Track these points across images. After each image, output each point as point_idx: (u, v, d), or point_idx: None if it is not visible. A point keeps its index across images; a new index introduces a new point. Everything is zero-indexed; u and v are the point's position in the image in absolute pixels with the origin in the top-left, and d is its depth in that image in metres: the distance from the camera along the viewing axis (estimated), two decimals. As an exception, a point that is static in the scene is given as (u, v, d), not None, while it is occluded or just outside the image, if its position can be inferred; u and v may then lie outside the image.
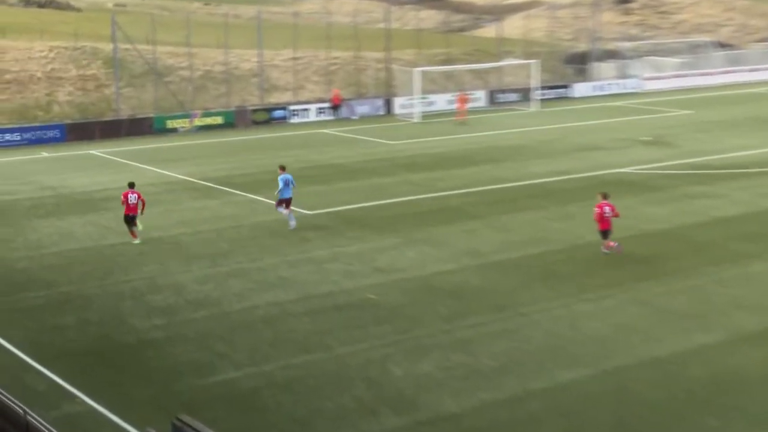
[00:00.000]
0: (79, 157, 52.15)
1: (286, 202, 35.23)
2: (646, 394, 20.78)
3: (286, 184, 35.09)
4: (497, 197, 40.25)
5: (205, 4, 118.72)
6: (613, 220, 31.14)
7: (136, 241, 33.46)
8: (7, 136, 56.44)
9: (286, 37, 71.64)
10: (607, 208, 31.04)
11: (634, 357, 22.80)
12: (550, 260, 30.86)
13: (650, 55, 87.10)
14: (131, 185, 33.73)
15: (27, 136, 56.92)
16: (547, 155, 50.52)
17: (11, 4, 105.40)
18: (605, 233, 31.29)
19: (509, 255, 31.51)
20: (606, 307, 26.40)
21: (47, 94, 63.23)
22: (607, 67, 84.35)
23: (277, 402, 20.65)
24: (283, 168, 35.70)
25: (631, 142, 54.22)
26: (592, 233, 32.63)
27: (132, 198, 33.28)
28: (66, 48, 68.17)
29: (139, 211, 33.44)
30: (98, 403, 20.50)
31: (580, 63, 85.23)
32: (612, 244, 31.26)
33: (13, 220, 37.34)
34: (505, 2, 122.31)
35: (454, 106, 66.95)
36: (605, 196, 31.38)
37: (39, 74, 64.43)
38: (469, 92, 70.94)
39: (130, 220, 33.53)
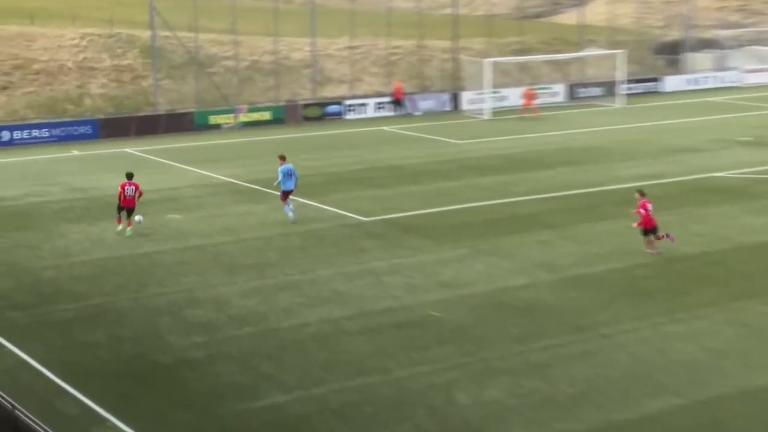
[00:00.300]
0: (112, 156, 52.74)
1: (287, 194, 37.50)
2: (745, 429, 20.58)
3: (288, 175, 37.40)
4: (576, 204, 40.08)
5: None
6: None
7: (119, 228, 35.80)
8: (35, 132, 57.28)
9: (342, 24, 71.97)
10: (650, 206, 32.40)
11: (731, 386, 22.57)
12: (636, 275, 30.67)
13: (752, 45, 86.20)
14: (129, 176, 36.11)
15: (56, 132, 57.70)
16: (633, 157, 50.22)
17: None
18: (654, 230, 32.41)
19: (589, 269, 31.37)
20: (699, 328, 26.17)
21: (78, 86, 64.05)
22: (702, 58, 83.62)
23: (329, 429, 20.73)
24: (283, 158, 37.99)
25: (729, 143, 53.73)
26: (685, 245, 32.65)
27: (129, 190, 35.65)
28: (99, 35, 69.00)
29: (135, 201, 35.77)
30: (131, 428, 20.70)
31: (671, 53, 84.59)
32: (668, 236, 32.69)
33: (40, 224, 37.86)
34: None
35: (520, 102, 66.88)
36: (644, 193, 32.93)
37: (70, 64, 65.30)
38: (537, 87, 70.71)
39: (122, 210, 35.82)
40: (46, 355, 24.68)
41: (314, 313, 27.55)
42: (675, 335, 25.67)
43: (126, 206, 35.58)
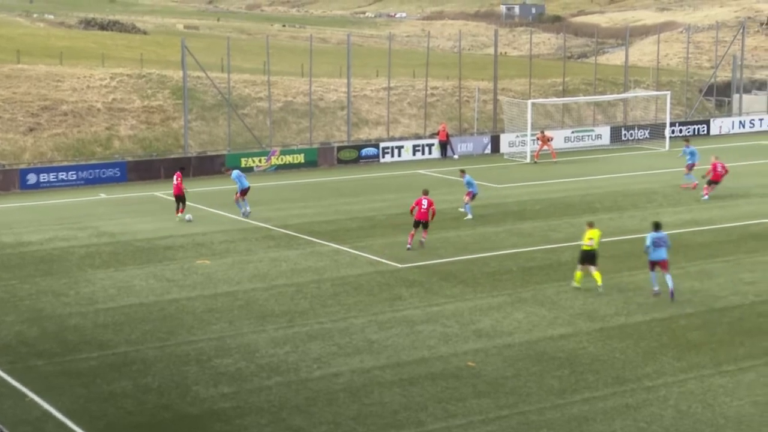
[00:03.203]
0: (141, 200, 53.10)
1: (245, 192, 46.96)
2: (794, 486, 20.45)
3: (242, 176, 47.17)
4: (619, 251, 40.00)
5: (284, 26, 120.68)
6: None
7: (177, 218, 46.08)
8: (62, 175, 57.80)
9: (379, 64, 72.34)
10: (425, 202, 39.82)
11: (780, 442, 22.45)
12: (681, 325, 30.55)
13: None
14: (181, 169, 47.73)
15: (84, 174, 58.22)
16: (680, 203, 50.08)
17: (70, 26, 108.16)
18: (424, 224, 39.89)
19: (632, 319, 31.27)
20: (747, 381, 26.01)
21: (107, 128, 64.70)
22: (754, 100, 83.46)
23: (359, 485, 20.74)
24: (228, 169, 49.58)
25: (780, 188, 53.56)
26: (734, 294, 32.55)
27: (175, 179, 46.36)
28: (129, 75, 69.79)
29: (184, 192, 46.13)
30: (156, 481, 20.80)
31: (721, 95, 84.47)
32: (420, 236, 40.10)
33: (65, 270, 38.14)
34: (633, 24, 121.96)
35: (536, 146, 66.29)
36: (426, 193, 40.58)
37: (99, 105, 66.03)
38: (580, 130, 70.68)
39: (177, 199, 46.33)
40: (69, 406, 24.82)
41: (346, 363, 27.60)
42: (722, 388, 25.52)
43: (176, 194, 46.07)
